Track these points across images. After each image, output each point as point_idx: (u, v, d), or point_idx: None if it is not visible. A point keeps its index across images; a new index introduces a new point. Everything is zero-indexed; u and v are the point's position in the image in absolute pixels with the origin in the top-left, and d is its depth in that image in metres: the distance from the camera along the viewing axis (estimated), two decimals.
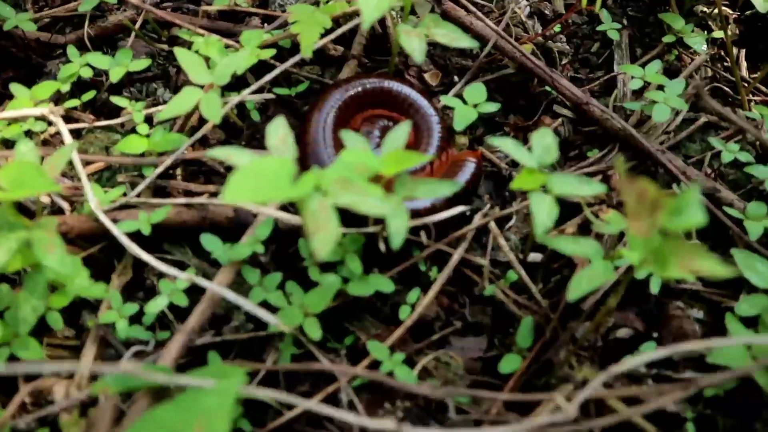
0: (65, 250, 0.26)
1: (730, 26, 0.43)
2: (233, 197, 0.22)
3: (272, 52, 0.37)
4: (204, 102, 0.32)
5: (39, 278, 0.27)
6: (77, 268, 0.27)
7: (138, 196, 0.33)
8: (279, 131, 0.26)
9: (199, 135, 0.34)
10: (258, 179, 0.22)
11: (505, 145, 0.28)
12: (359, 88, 0.36)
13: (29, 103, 0.35)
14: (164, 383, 0.25)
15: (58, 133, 0.36)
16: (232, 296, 0.27)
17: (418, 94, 0.37)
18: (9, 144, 0.35)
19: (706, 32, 0.41)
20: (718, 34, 0.41)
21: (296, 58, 0.35)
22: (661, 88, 0.34)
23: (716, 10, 0.41)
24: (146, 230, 0.30)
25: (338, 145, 0.34)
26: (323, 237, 0.22)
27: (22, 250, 0.26)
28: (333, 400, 0.28)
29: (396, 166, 0.26)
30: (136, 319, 0.30)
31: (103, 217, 0.29)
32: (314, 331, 0.28)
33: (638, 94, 0.38)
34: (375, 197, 0.23)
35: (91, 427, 0.25)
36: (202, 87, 0.33)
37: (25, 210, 0.32)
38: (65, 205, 0.32)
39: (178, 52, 0.33)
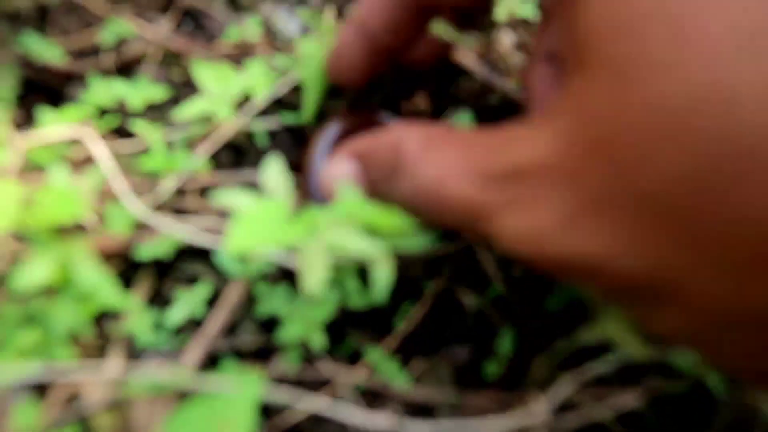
0: (98, 265, 0.30)
1: None
2: (235, 247, 0.24)
3: (274, 77, 0.40)
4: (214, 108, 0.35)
5: (73, 290, 0.30)
6: (107, 282, 0.30)
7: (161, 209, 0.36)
8: (273, 174, 0.29)
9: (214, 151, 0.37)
10: (256, 226, 0.25)
11: None
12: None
13: (58, 127, 0.38)
14: (189, 385, 0.28)
15: (88, 158, 0.39)
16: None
17: None
18: (36, 165, 0.39)
19: None
20: None
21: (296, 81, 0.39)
22: None
23: None
24: (168, 249, 0.34)
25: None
26: (315, 276, 0.25)
27: (60, 266, 0.29)
28: (336, 400, 0.32)
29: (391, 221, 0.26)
30: (157, 327, 0.34)
31: (131, 232, 0.32)
32: (317, 341, 0.32)
33: None
34: (365, 242, 0.25)
35: (122, 425, 0.29)
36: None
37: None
38: (94, 224, 0.35)
39: (196, 65, 0.36)
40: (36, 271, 0.27)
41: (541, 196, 0.19)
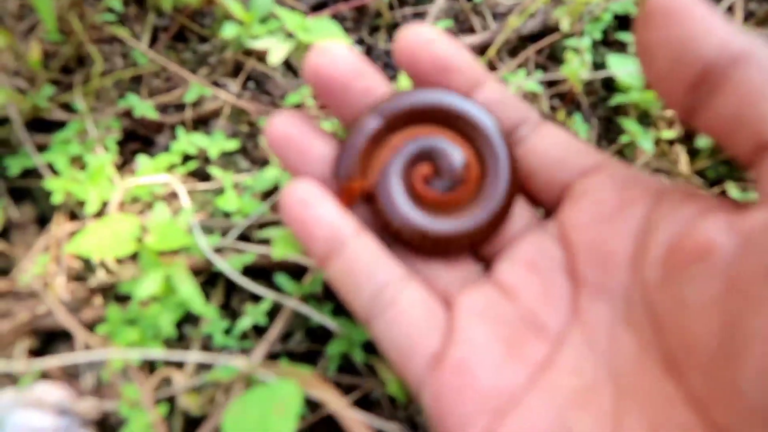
0: (191, 280, 0.39)
1: (675, 126, 0.55)
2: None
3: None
4: (281, 179, 0.45)
5: (172, 300, 0.40)
6: (197, 293, 0.40)
7: (228, 242, 0.46)
8: None
9: (274, 198, 0.47)
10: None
11: None
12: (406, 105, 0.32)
13: (152, 171, 0.49)
14: (255, 374, 0.37)
15: (172, 193, 0.49)
16: (306, 309, 0.39)
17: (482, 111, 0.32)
18: (136, 199, 0.49)
19: (655, 131, 0.54)
20: (665, 134, 0.53)
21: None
22: None
23: (665, 112, 0.54)
24: (238, 269, 0.43)
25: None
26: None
27: (164, 281, 0.39)
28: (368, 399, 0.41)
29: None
30: (227, 332, 0.43)
31: (213, 258, 0.42)
32: (357, 355, 0.41)
33: None
34: None
35: (204, 403, 0.38)
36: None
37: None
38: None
39: (263, 139, 0.46)
40: (150, 284, 0.37)
41: None
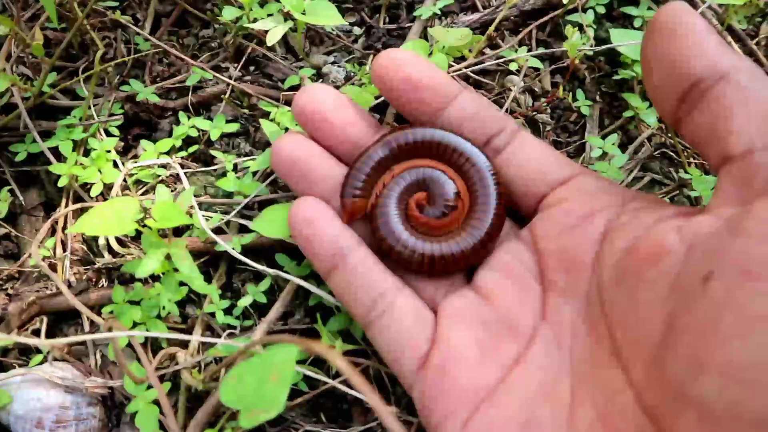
0: (191, 260, 0.40)
1: None
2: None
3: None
4: None
5: (172, 279, 0.40)
6: (197, 273, 0.40)
7: (227, 224, 0.46)
8: None
9: (271, 178, 0.47)
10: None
11: None
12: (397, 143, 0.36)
13: (154, 154, 0.49)
14: (254, 350, 0.37)
15: (172, 175, 0.50)
16: (308, 285, 0.40)
17: (467, 142, 0.35)
18: (139, 182, 0.50)
19: None
20: None
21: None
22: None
23: None
24: (238, 249, 0.44)
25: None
26: None
27: (163, 261, 0.39)
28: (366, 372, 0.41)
29: None
30: (228, 311, 0.44)
31: (215, 237, 0.43)
32: (357, 331, 0.41)
33: (602, 157, 0.49)
34: None
35: (205, 377, 0.38)
36: None
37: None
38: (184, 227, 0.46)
39: (263, 122, 0.46)
40: (150, 264, 0.37)
41: None
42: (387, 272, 0.35)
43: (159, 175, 0.49)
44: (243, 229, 0.46)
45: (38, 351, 0.43)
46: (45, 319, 0.44)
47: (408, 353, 0.32)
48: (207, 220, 0.45)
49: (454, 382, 0.30)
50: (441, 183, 0.35)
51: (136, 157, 0.52)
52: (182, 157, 0.50)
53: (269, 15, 0.52)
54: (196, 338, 0.36)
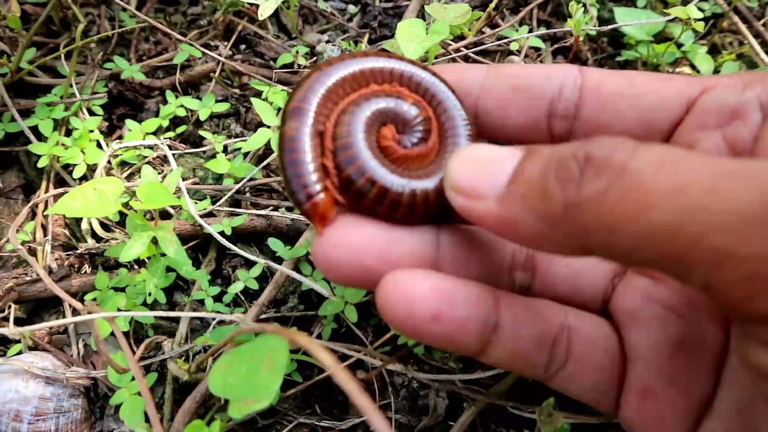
0: (179, 244, 0.38)
1: None
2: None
3: None
4: (273, 139, 0.43)
5: (158, 264, 0.38)
6: (185, 257, 0.38)
7: (216, 203, 0.44)
8: None
9: (265, 163, 0.45)
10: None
11: None
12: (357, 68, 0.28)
13: (140, 135, 0.47)
14: (244, 339, 0.35)
15: (159, 156, 0.48)
16: (296, 275, 0.38)
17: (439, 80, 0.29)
18: (125, 164, 0.47)
19: None
20: None
21: None
22: None
23: (674, 67, 0.52)
24: (228, 231, 0.42)
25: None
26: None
27: (149, 245, 0.37)
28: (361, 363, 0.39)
29: None
30: (218, 298, 0.42)
31: (200, 220, 0.40)
32: (352, 315, 0.39)
33: None
34: None
35: (193, 367, 0.37)
36: (270, 127, 0.44)
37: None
38: (171, 211, 0.43)
39: (255, 101, 0.44)
40: (135, 247, 0.35)
41: None
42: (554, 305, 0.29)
43: (145, 156, 0.47)
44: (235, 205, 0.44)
45: (17, 341, 0.41)
46: (13, 306, 0.42)
47: (608, 388, 0.28)
48: (195, 203, 0.43)
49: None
50: (405, 108, 0.28)
51: (121, 137, 0.49)
52: (170, 138, 0.48)
53: None
54: (185, 321, 0.34)
